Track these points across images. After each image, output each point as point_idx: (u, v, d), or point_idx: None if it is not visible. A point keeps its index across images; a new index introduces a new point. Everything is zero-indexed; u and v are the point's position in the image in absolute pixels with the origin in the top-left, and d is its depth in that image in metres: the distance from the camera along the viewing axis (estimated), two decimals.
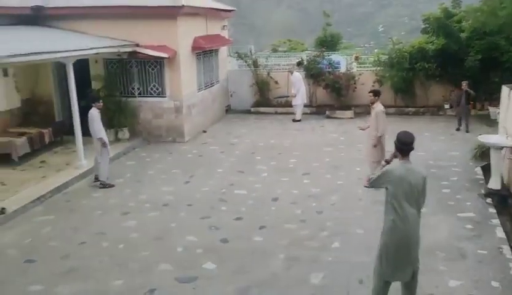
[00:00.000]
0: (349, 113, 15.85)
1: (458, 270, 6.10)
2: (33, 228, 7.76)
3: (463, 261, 6.35)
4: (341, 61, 17.10)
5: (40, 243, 7.19)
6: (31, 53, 8.74)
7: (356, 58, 17.59)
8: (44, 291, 5.90)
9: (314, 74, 16.39)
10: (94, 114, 9.32)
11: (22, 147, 10.80)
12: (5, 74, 12.05)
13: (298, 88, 15.48)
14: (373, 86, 15.38)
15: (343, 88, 16.00)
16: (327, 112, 16.03)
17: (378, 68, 16.31)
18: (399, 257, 4.76)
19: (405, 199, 4.66)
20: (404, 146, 4.79)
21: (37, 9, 12.17)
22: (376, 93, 9.04)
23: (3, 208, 8.04)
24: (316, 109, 16.57)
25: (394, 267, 4.80)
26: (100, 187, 9.51)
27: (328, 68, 16.44)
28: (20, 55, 8.45)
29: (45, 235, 7.50)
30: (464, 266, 6.22)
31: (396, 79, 15.63)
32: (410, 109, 16.11)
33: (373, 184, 4.94)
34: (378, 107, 8.87)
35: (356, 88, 16.17)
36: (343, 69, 16.66)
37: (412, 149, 4.81)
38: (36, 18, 12.36)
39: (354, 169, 10.29)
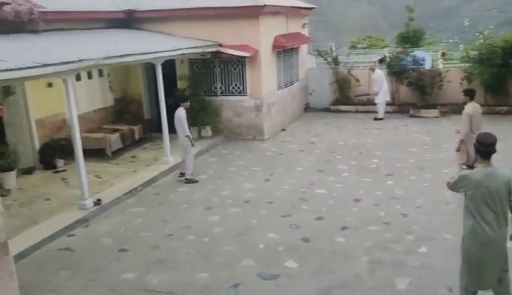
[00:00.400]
0: (434, 112, 15.16)
1: None
2: (126, 219, 8.28)
3: None
4: (426, 57, 16.37)
5: (132, 233, 7.67)
6: (125, 55, 9.33)
7: (443, 54, 16.76)
8: (136, 279, 6.28)
9: (397, 71, 15.85)
10: (182, 113, 9.73)
11: (115, 143, 11.58)
12: (101, 74, 12.96)
13: (380, 85, 15.10)
14: (460, 83, 14.65)
15: (427, 86, 15.30)
16: (411, 111, 15.45)
17: (467, 65, 15.40)
18: (479, 264, 4.55)
19: (485, 204, 4.45)
20: (484, 148, 4.53)
21: (129, 13, 12.94)
22: (467, 93, 8.49)
23: (99, 199, 8.66)
24: (399, 108, 16.02)
25: (475, 274, 4.60)
26: (185, 182, 9.92)
27: (413, 65, 15.80)
28: (115, 56, 9.06)
29: (137, 225, 7.98)
30: None
31: (486, 76, 14.67)
32: (502, 107, 15.03)
33: (452, 187, 4.79)
34: (467, 108, 8.32)
35: (441, 85, 15.40)
36: (427, 66, 15.94)
37: (493, 151, 4.54)
38: (127, 21, 13.14)
39: (440, 171, 9.83)
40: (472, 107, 8.35)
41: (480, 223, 4.47)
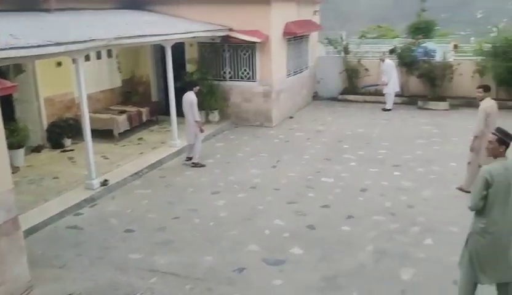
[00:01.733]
0: (443, 104, 15.06)
1: None
2: (132, 200, 8.33)
3: None
4: (437, 49, 16.19)
5: (138, 215, 7.72)
6: (136, 36, 9.29)
7: (455, 47, 16.57)
8: (142, 259, 6.34)
9: (407, 62, 15.72)
10: (193, 97, 9.72)
11: (123, 124, 11.59)
12: (109, 55, 12.92)
13: (389, 76, 14.98)
14: (472, 77, 14.55)
15: (438, 78, 15.20)
16: (419, 103, 15.36)
17: (479, 58, 15.22)
18: (487, 262, 4.54)
19: (501, 200, 4.39)
20: (509, 139, 4.48)
21: None
22: (486, 89, 8.09)
23: (106, 180, 8.70)
24: (408, 99, 15.92)
25: (483, 270, 4.58)
26: (192, 166, 9.95)
27: (423, 56, 15.66)
28: (126, 37, 9.02)
29: (143, 207, 8.03)
30: None
31: (500, 70, 14.49)
32: None
33: (476, 203, 4.51)
34: (482, 104, 8.00)
35: (452, 78, 15.28)
36: (438, 58, 15.79)
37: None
38: (138, 2, 13.07)
39: (448, 164, 9.80)
40: (489, 103, 7.99)
41: (493, 220, 4.42)
